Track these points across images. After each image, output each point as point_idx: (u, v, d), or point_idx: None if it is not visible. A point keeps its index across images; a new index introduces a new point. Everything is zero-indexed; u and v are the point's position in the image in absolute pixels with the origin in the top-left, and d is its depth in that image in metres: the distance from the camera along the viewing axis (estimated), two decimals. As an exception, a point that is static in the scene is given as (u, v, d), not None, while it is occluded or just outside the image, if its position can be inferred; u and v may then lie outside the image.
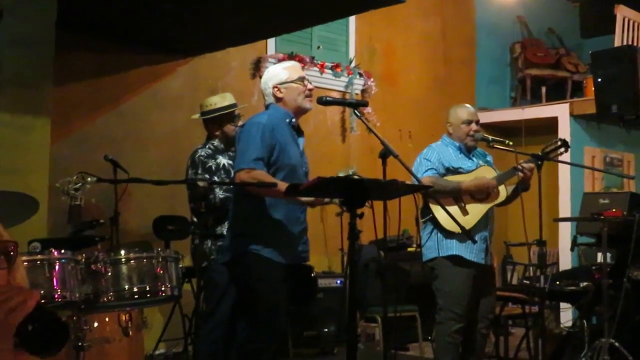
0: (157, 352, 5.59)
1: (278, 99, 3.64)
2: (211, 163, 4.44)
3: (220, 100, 4.64)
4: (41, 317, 1.25)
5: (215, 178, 4.39)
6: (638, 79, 5.95)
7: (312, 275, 5.98)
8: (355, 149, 7.44)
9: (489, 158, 4.63)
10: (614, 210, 4.84)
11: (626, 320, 4.70)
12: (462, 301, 4.25)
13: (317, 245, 6.48)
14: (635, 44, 7.40)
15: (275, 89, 3.63)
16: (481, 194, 4.34)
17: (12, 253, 1.42)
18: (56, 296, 2.78)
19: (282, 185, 3.24)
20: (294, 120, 3.63)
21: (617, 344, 4.39)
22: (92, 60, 5.75)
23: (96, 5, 5.03)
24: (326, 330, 6.09)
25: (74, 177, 3.13)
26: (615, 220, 4.62)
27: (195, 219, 4.52)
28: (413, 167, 4.41)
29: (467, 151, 4.50)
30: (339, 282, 6.24)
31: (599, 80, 6.28)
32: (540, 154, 4.38)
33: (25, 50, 4.40)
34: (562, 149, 4.48)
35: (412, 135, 7.89)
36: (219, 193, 4.30)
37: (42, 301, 2.71)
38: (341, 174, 4.17)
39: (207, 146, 4.54)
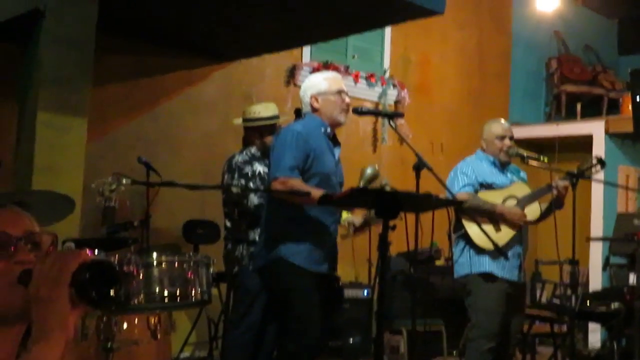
0: (182, 356, 5.60)
1: (314, 109, 3.64)
2: (247, 169, 4.46)
3: (264, 110, 4.64)
4: (96, 266, 1.26)
5: (251, 184, 4.41)
6: (677, 99, 5.86)
7: (338, 285, 5.99)
8: (387, 159, 7.42)
9: (523, 174, 4.58)
10: (648, 231, 4.77)
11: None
12: (496, 318, 4.18)
13: (344, 255, 6.42)
14: (674, 63, 7.30)
15: (313, 99, 3.63)
16: (512, 223, 4.27)
17: (51, 246, 1.44)
18: (88, 296, 2.79)
19: (316, 194, 3.23)
20: (329, 130, 3.63)
21: (647, 367, 4.32)
22: (129, 62, 5.81)
23: (136, 8, 5.08)
24: (351, 341, 6.06)
25: (109, 179, 3.15)
26: (650, 242, 4.54)
27: (228, 224, 4.53)
28: (447, 180, 4.39)
29: (502, 166, 4.46)
30: (365, 293, 6.20)
31: (638, 98, 6.19)
32: (575, 171, 4.33)
33: (65, 50, 4.45)
34: (598, 167, 4.42)
35: (444, 148, 7.85)
36: (255, 199, 4.31)
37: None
38: (369, 169, 4.15)
39: (244, 152, 4.56)
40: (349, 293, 6.07)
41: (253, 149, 4.58)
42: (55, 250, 1.42)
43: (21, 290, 1.29)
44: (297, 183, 3.40)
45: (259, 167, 4.48)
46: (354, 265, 6.74)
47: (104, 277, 1.27)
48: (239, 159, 4.51)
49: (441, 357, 6.11)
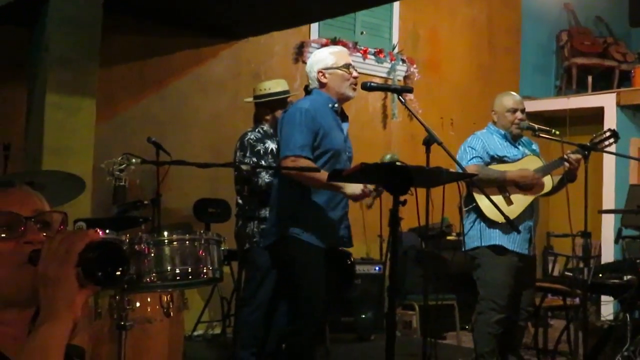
0: (195, 333, 5.65)
1: (322, 84, 3.61)
2: (259, 147, 4.46)
3: (274, 86, 4.66)
4: (103, 246, 1.26)
5: (263, 162, 4.41)
6: (689, 69, 5.80)
7: (350, 261, 6.01)
8: (396, 135, 7.40)
9: (535, 147, 4.56)
10: (661, 203, 4.74)
11: (670, 315, 4.61)
12: (504, 291, 4.20)
13: (356, 231, 6.41)
14: (686, 33, 7.22)
15: (320, 74, 3.60)
16: (526, 186, 4.27)
17: (61, 225, 1.44)
18: (100, 275, 2.81)
19: (325, 173, 3.22)
20: (336, 105, 3.61)
21: (660, 339, 4.31)
22: (136, 42, 5.80)
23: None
24: (363, 316, 6.09)
25: (119, 158, 3.16)
26: (663, 214, 4.52)
27: (240, 202, 4.55)
28: (457, 155, 4.38)
29: (513, 140, 4.44)
30: (377, 268, 6.22)
31: (649, 70, 6.13)
32: (588, 144, 4.30)
33: (72, 31, 4.45)
34: (612, 140, 4.38)
35: (454, 123, 7.81)
36: (265, 177, 4.31)
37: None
38: (388, 157, 4.13)
39: (256, 130, 4.56)
40: (360, 269, 6.09)
41: (265, 126, 4.58)
42: (65, 230, 1.42)
43: (32, 270, 1.28)
44: (307, 164, 3.39)
45: (272, 145, 4.48)
46: (365, 241, 6.75)
47: (111, 257, 1.27)
48: (251, 136, 4.51)
49: (454, 331, 6.13)
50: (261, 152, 4.45)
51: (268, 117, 4.60)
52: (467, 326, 5.80)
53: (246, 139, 4.51)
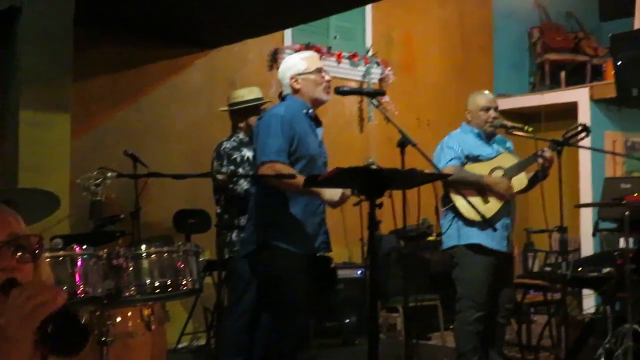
0: (180, 346, 5.63)
1: (295, 90, 3.63)
2: (236, 155, 4.49)
3: (248, 93, 4.71)
4: (63, 318, 1.24)
5: (240, 170, 4.43)
6: (659, 62, 5.87)
7: (331, 266, 6.02)
8: (374, 138, 7.43)
9: (509, 145, 4.60)
10: (636, 194, 4.78)
11: (650, 305, 4.66)
12: (482, 289, 4.23)
13: (337, 236, 6.43)
14: (655, 26, 7.30)
15: (293, 80, 3.62)
16: (499, 194, 4.29)
17: (37, 248, 1.42)
18: (79, 292, 2.80)
19: (301, 179, 3.23)
20: (311, 110, 3.63)
21: (640, 329, 4.36)
22: (110, 54, 5.78)
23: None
24: (347, 320, 6.10)
25: (94, 173, 3.15)
26: (638, 205, 4.56)
27: (219, 211, 4.55)
28: (434, 155, 4.41)
29: (487, 138, 4.48)
30: (359, 272, 6.24)
31: (619, 63, 6.21)
32: (560, 139, 4.35)
33: (44, 46, 4.43)
34: (583, 134, 4.43)
35: (430, 123, 7.85)
36: (244, 184, 4.33)
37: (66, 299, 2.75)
38: (371, 161, 4.13)
39: (232, 139, 4.60)
40: (343, 273, 6.11)
41: (241, 135, 4.61)
42: (34, 282, 1.36)
43: (3, 299, 1.26)
44: (284, 168, 3.40)
45: (248, 153, 4.50)
46: (346, 245, 6.76)
47: (70, 329, 1.25)
48: (227, 145, 4.54)
49: (438, 332, 6.15)
50: (238, 160, 4.47)
51: (242, 125, 4.63)
52: (451, 326, 5.83)
53: (222, 148, 4.54)
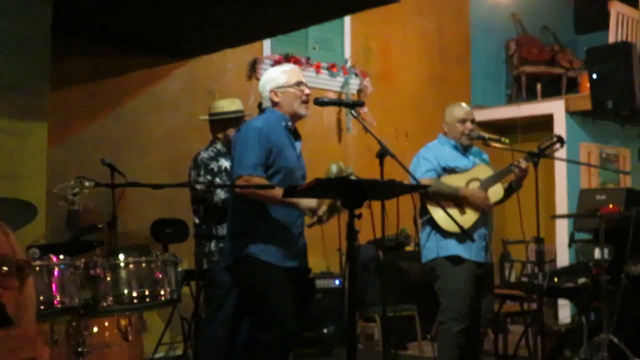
0: (156, 356, 5.59)
1: (274, 103, 3.62)
2: (213, 165, 4.50)
3: (229, 105, 4.71)
4: None
5: (217, 179, 4.44)
6: (633, 75, 5.97)
7: (310, 276, 6.01)
8: (352, 148, 7.45)
9: (485, 156, 4.64)
10: (611, 206, 4.85)
11: (625, 315, 4.71)
12: (465, 300, 4.24)
13: (315, 245, 6.47)
14: (629, 39, 7.42)
15: (272, 93, 3.61)
16: (475, 206, 4.32)
17: (26, 272, 1.39)
18: (55, 302, 2.79)
19: (280, 189, 3.24)
20: (290, 123, 3.62)
21: (615, 339, 4.40)
22: (88, 63, 5.75)
23: (92, 9, 5.03)
24: (325, 331, 6.10)
25: (72, 182, 3.13)
26: (613, 217, 4.63)
27: (197, 221, 4.54)
28: (410, 166, 4.43)
29: (464, 150, 4.51)
30: (337, 282, 6.24)
31: (594, 76, 6.30)
32: (536, 150, 4.39)
33: (21, 54, 4.39)
34: (558, 145, 4.48)
35: (408, 134, 7.90)
36: (221, 194, 4.34)
37: (42, 307, 2.72)
38: (333, 167, 4.15)
39: (210, 149, 4.61)
40: (321, 283, 6.10)
41: (218, 145, 4.62)
42: (22, 336, 1.32)
43: None
44: (260, 182, 3.40)
45: (225, 163, 4.51)
46: (324, 255, 6.76)
47: None
48: (204, 155, 4.55)
49: (415, 342, 6.17)
50: (215, 170, 4.49)
51: (220, 136, 4.64)
52: (429, 335, 5.86)
53: (199, 158, 4.54)
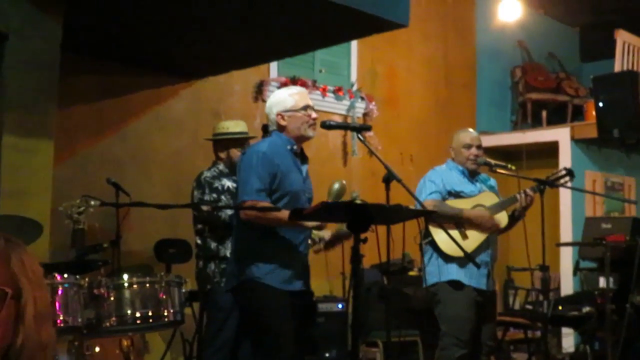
0: (157, 376, 5.54)
1: (281, 127, 3.59)
2: (217, 184, 4.51)
3: (234, 126, 4.73)
4: None
5: (223, 197, 4.43)
6: (639, 104, 5.97)
7: (312, 299, 5.97)
8: (357, 172, 7.45)
9: (492, 183, 4.62)
10: (616, 235, 4.84)
11: (629, 345, 4.68)
12: (466, 326, 4.22)
13: (318, 269, 6.45)
14: (635, 68, 7.44)
15: (279, 117, 3.58)
16: (481, 227, 4.31)
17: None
18: (58, 321, 2.77)
19: (285, 213, 3.23)
20: (295, 147, 3.60)
21: (620, 370, 4.37)
22: (95, 82, 5.77)
23: (101, 29, 5.06)
24: (327, 355, 6.05)
25: (77, 201, 3.14)
26: (618, 245, 4.61)
27: (199, 242, 4.53)
28: (416, 189, 4.42)
29: (471, 175, 4.50)
30: (340, 306, 6.21)
31: (600, 104, 6.31)
32: (545, 179, 4.38)
33: (30, 72, 4.40)
34: (567, 178, 4.48)
35: (413, 159, 7.90)
36: (228, 211, 4.32)
37: None
38: (336, 184, 4.15)
39: (212, 169, 4.62)
40: (323, 307, 6.07)
41: (221, 166, 4.63)
42: None
43: None
44: (264, 205, 3.39)
45: (228, 182, 4.52)
46: (327, 278, 6.73)
47: None
48: (207, 174, 4.55)
49: (418, 367, 6.12)
50: (220, 189, 4.48)
51: (223, 156, 4.65)
52: (431, 362, 5.81)
53: (202, 177, 4.54)
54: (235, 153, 4.56)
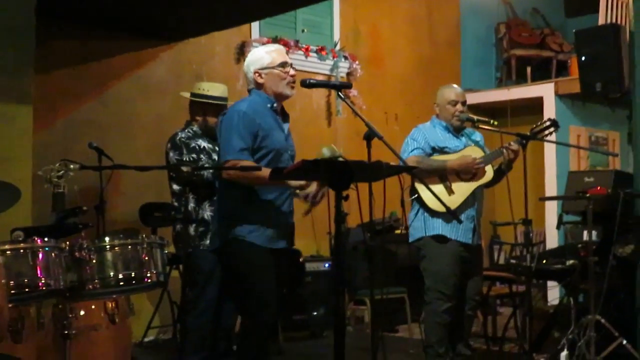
0: (146, 339, 5.59)
1: (259, 85, 3.59)
2: (193, 144, 4.47)
3: (212, 89, 4.64)
4: None
5: (202, 156, 4.40)
6: (622, 58, 5.95)
7: (301, 260, 6.01)
8: (342, 132, 7.43)
9: (478, 138, 4.63)
10: (599, 188, 4.86)
11: (612, 296, 4.74)
12: (450, 281, 4.27)
13: (305, 229, 6.47)
14: (619, 22, 7.40)
15: (256, 74, 3.57)
16: (467, 173, 4.34)
17: None
18: (40, 284, 2.77)
19: (267, 170, 3.23)
20: (275, 105, 3.60)
21: (602, 320, 4.42)
22: (75, 47, 5.70)
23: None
24: (315, 313, 6.12)
25: (57, 165, 3.12)
26: (600, 198, 4.64)
27: (176, 204, 4.51)
28: (401, 148, 4.43)
29: (455, 131, 4.51)
30: (327, 265, 6.25)
31: (583, 59, 6.28)
32: (528, 133, 4.39)
33: (5, 37, 4.36)
34: (552, 129, 4.48)
35: (398, 118, 7.88)
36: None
37: (27, 290, 2.71)
38: (325, 151, 4.14)
39: (186, 130, 4.58)
40: (310, 266, 6.12)
41: (195, 127, 4.59)
42: None
43: None
44: (247, 165, 3.38)
45: (204, 143, 4.49)
46: (314, 238, 6.76)
47: None
48: (182, 135, 4.52)
49: (405, 324, 6.19)
50: (197, 148, 4.45)
51: (199, 118, 4.60)
52: (419, 318, 5.88)
53: (177, 138, 4.50)
54: (212, 120, 4.50)
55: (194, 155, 4.42)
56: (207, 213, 4.33)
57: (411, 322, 6.08)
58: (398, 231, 6.75)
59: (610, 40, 6.05)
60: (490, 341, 5.45)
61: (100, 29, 5.76)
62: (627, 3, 7.75)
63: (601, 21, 7.39)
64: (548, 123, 4.49)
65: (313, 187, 3.46)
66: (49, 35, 5.28)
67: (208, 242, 4.19)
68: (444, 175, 4.32)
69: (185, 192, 4.28)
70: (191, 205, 4.37)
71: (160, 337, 5.78)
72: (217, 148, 4.34)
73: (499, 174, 4.44)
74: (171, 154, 4.48)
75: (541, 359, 4.71)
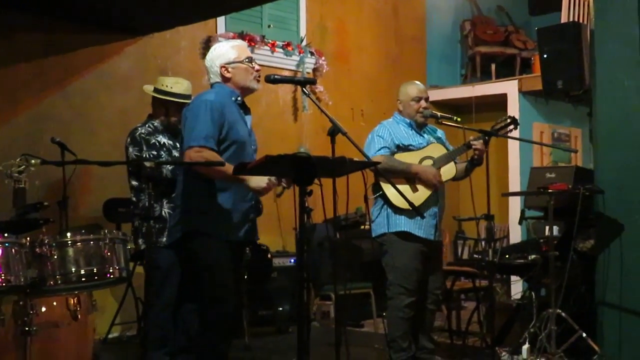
0: (110, 336, 5.55)
1: (225, 79, 3.61)
2: (153, 140, 4.42)
3: (175, 86, 4.56)
4: None
5: (162, 153, 4.36)
6: (583, 55, 6.03)
7: (268, 255, 6.01)
8: (308, 128, 7.44)
9: (440, 134, 4.67)
10: (560, 183, 4.94)
11: (572, 290, 4.82)
12: (412, 276, 4.31)
13: (271, 224, 6.48)
14: (581, 20, 7.51)
15: (223, 69, 3.61)
16: (427, 183, 4.35)
17: None
18: (0, 280, 2.73)
19: (229, 167, 3.23)
20: (239, 98, 3.61)
21: (563, 314, 4.50)
22: (36, 40, 5.62)
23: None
24: (281, 309, 6.12)
25: (17, 160, 3.08)
26: (561, 194, 4.71)
27: (134, 199, 4.47)
28: (365, 144, 4.45)
29: (418, 128, 4.54)
30: (292, 261, 6.26)
31: (545, 56, 6.36)
32: (489, 130, 4.44)
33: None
34: (512, 126, 4.54)
35: (364, 114, 7.91)
36: (169, 166, 4.25)
37: None
38: (302, 150, 4.15)
39: (147, 125, 4.52)
40: (276, 262, 6.12)
41: (156, 122, 4.54)
42: None
43: None
44: (211, 155, 3.38)
45: (164, 139, 4.45)
46: (280, 234, 6.77)
47: None
48: (142, 130, 4.46)
49: (371, 319, 6.23)
50: (157, 144, 4.41)
51: (160, 114, 4.54)
52: (384, 313, 5.92)
53: (137, 133, 4.44)
54: (174, 119, 4.46)
55: (154, 152, 4.37)
56: (165, 210, 4.30)
57: (377, 317, 6.12)
58: (364, 227, 6.78)
59: (572, 38, 6.11)
60: (454, 335, 5.51)
61: (63, 21, 5.69)
62: (588, 2, 7.87)
63: (564, 19, 7.48)
64: (508, 120, 4.55)
65: (278, 190, 3.46)
66: (12, 28, 5.20)
67: (164, 239, 4.17)
68: (410, 177, 4.34)
69: (148, 188, 4.25)
70: (146, 200, 4.31)
71: (125, 334, 5.74)
72: (177, 145, 4.32)
73: (471, 168, 4.48)
74: (130, 149, 4.42)
75: (503, 352, 4.77)
